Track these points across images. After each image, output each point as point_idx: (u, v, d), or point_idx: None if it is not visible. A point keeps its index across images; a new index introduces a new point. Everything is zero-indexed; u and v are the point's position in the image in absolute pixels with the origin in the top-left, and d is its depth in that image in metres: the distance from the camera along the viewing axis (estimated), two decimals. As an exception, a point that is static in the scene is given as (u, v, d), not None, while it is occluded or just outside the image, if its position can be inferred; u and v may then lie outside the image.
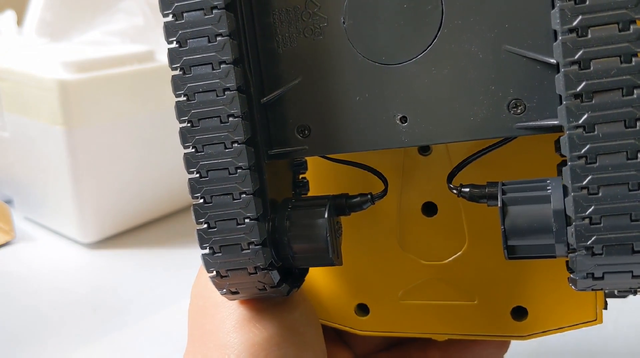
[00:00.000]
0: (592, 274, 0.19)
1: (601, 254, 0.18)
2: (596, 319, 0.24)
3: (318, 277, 0.28)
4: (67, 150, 0.52)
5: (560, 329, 0.25)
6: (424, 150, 0.25)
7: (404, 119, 0.21)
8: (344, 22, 0.21)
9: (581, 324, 0.24)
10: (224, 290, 0.22)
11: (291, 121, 0.22)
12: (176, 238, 0.57)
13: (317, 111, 0.22)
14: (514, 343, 0.29)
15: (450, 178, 0.23)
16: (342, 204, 0.23)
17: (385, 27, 0.21)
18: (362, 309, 0.27)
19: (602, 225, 0.18)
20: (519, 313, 0.25)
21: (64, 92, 0.51)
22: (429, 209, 0.26)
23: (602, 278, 0.19)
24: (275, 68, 0.22)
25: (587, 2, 0.17)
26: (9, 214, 0.58)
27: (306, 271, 0.25)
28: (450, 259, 0.26)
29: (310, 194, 0.26)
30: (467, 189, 0.22)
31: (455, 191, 0.22)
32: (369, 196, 0.23)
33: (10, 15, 0.63)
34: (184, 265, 0.49)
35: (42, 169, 0.56)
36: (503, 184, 0.20)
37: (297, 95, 0.22)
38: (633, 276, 0.18)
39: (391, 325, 0.27)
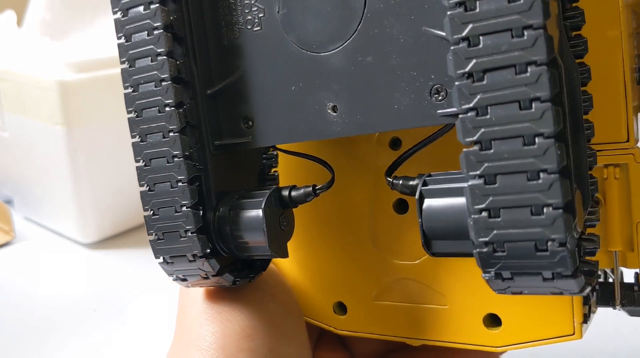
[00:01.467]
0: (500, 274, 0.17)
1: (503, 251, 0.17)
2: (574, 334, 0.22)
3: (298, 274, 0.27)
4: (67, 150, 0.52)
5: (535, 342, 0.23)
6: (395, 145, 0.25)
7: (335, 109, 0.21)
8: (278, 12, 0.21)
9: (558, 338, 0.23)
10: (174, 276, 0.23)
11: (237, 113, 0.22)
12: (176, 238, 0.57)
13: (257, 103, 0.22)
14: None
15: (390, 172, 0.22)
16: (285, 197, 0.23)
17: (314, 15, 0.21)
18: (341, 308, 0.27)
19: (501, 218, 0.17)
20: (493, 321, 0.24)
21: (64, 92, 0.51)
22: (402, 206, 0.25)
23: (511, 278, 0.17)
24: (222, 60, 0.22)
25: None
26: (9, 215, 0.58)
27: (266, 263, 0.25)
28: (422, 259, 0.25)
29: (280, 181, 0.26)
30: (399, 182, 0.21)
31: (389, 184, 0.21)
32: (311, 188, 0.22)
33: (10, 15, 0.63)
34: (184, 265, 0.49)
35: (42, 169, 0.56)
36: (429, 176, 0.20)
37: (241, 86, 0.22)
38: (544, 279, 0.17)
39: (367, 325, 0.26)
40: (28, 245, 0.57)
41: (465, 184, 0.18)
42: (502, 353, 0.25)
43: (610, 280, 0.24)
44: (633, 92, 0.22)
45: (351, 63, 0.20)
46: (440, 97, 0.19)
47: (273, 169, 0.26)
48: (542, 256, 0.16)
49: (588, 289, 0.17)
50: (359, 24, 0.20)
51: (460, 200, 0.18)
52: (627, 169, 0.22)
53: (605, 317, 0.24)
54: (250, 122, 0.22)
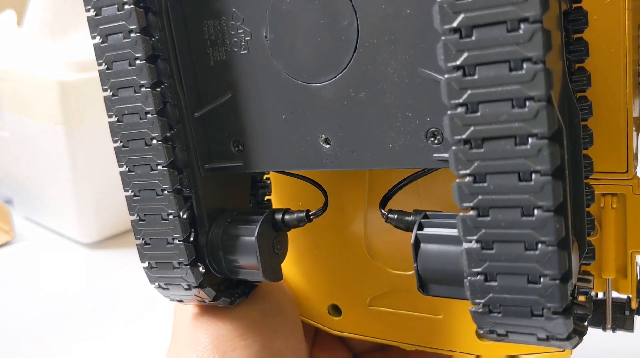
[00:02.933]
0: (495, 331, 0.17)
1: (499, 313, 0.17)
2: (564, 350, 0.23)
3: (293, 275, 0.27)
4: (67, 150, 0.52)
5: (527, 355, 0.23)
6: None
7: (327, 141, 0.20)
8: (266, 37, 0.20)
9: (550, 353, 0.23)
10: (170, 298, 0.23)
11: (227, 136, 0.22)
12: (176, 238, 0.57)
13: (247, 127, 0.21)
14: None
15: (383, 203, 0.22)
16: (278, 221, 0.22)
17: (304, 43, 0.20)
18: (335, 310, 0.27)
19: (497, 283, 0.16)
20: None
21: (64, 92, 0.51)
22: None
23: (505, 335, 0.17)
24: (209, 81, 0.21)
25: (474, 37, 0.15)
26: (8, 215, 0.58)
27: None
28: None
29: (272, 195, 0.26)
30: (395, 216, 0.20)
31: (384, 217, 0.21)
32: (305, 214, 0.22)
33: (10, 15, 0.63)
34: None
35: (42, 169, 0.56)
36: (425, 216, 0.19)
37: (230, 110, 0.21)
38: (538, 339, 0.17)
39: (362, 328, 0.27)
40: (28, 245, 0.57)
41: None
42: None
43: (601, 296, 0.24)
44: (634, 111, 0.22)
45: (344, 97, 0.19)
46: (436, 141, 0.18)
47: (265, 176, 0.26)
48: (537, 320, 0.16)
49: (577, 342, 0.17)
50: (351, 58, 0.19)
51: (457, 248, 0.18)
52: (625, 200, 0.22)
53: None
54: (241, 147, 0.22)
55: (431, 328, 0.25)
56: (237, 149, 0.22)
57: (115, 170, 0.22)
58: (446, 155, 0.18)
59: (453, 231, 0.18)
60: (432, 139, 0.18)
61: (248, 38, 0.20)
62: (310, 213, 0.22)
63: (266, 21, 0.20)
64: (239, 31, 0.21)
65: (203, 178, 0.22)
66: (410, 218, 0.20)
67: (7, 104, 0.57)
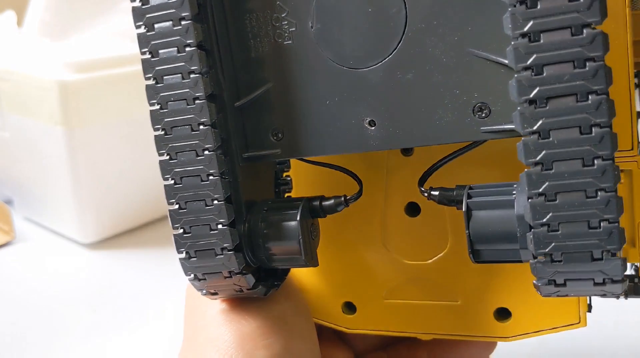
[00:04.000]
0: (554, 281, 0.18)
1: (560, 261, 0.18)
2: (579, 322, 0.24)
3: (305, 275, 0.28)
4: (67, 150, 0.52)
5: (543, 331, 0.25)
6: (407, 151, 0.25)
7: (372, 123, 0.21)
8: (311, 27, 0.21)
9: (565, 327, 0.24)
10: (204, 291, 0.23)
11: (265, 125, 0.22)
12: (176, 238, 0.57)
13: (288, 115, 0.22)
14: (503, 344, 0.29)
15: (422, 181, 0.23)
16: (316, 207, 0.23)
17: (351, 31, 0.21)
18: (349, 307, 0.27)
19: (560, 232, 0.18)
20: (503, 314, 0.25)
21: (64, 92, 0.51)
22: (413, 209, 0.26)
23: (564, 284, 0.18)
24: (249, 72, 0.22)
25: (539, 6, 0.17)
26: (9, 215, 0.58)
27: (288, 269, 0.25)
28: (433, 259, 0.26)
29: (293, 193, 0.27)
30: (437, 193, 0.22)
31: (425, 195, 0.22)
32: (343, 198, 0.23)
33: (10, 15, 0.63)
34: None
35: (42, 169, 0.56)
36: (470, 188, 0.20)
37: (270, 99, 0.22)
38: (595, 284, 0.18)
39: (377, 323, 0.27)
40: (28, 245, 0.57)
41: (513, 197, 0.19)
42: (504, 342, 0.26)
43: None
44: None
45: (390, 79, 0.20)
46: (483, 115, 0.20)
47: (285, 174, 0.26)
48: (596, 263, 0.18)
49: (626, 287, 0.19)
50: (399, 43, 0.20)
51: (509, 212, 0.19)
52: (631, 175, 0.23)
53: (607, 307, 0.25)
54: (280, 135, 0.22)
55: (449, 315, 0.26)
56: (276, 137, 0.22)
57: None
58: (495, 127, 0.19)
59: (500, 198, 0.20)
60: (480, 113, 0.20)
61: (292, 29, 0.21)
62: (347, 197, 0.23)
63: (313, 12, 0.21)
64: (283, 22, 0.21)
65: (241, 168, 0.22)
66: (454, 192, 0.21)
67: (7, 105, 0.57)
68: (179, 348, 0.25)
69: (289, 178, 0.27)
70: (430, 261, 0.26)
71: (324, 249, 0.27)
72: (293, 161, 0.26)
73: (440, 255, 0.25)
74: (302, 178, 0.27)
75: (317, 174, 0.26)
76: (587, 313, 0.24)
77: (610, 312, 0.38)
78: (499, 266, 0.25)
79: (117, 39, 0.59)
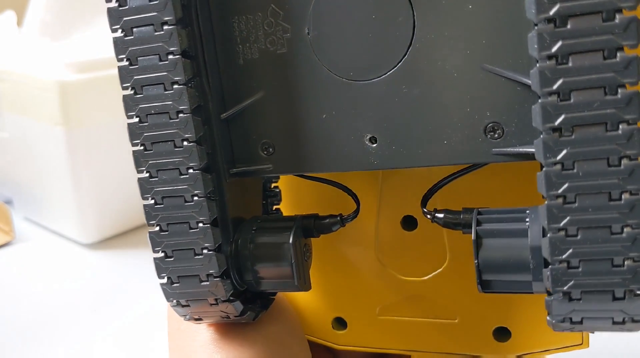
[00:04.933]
0: (570, 318, 0.17)
1: (579, 300, 0.17)
2: (582, 343, 0.23)
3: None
4: (66, 150, 0.52)
5: (544, 352, 0.23)
6: None
7: (373, 140, 0.19)
8: (308, 33, 0.19)
9: (566, 348, 0.23)
10: (187, 317, 0.21)
11: (255, 138, 0.20)
12: (176, 238, 0.56)
13: (281, 128, 0.20)
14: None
15: (425, 201, 0.21)
16: (310, 226, 0.21)
17: (352, 39, 0.19)
18: (340, 323, 0.26)
19: (580, 269, 0.16)
20: (502, 333, 0.24)
21: (63, 92, 0.51)
22: (409, 223, 0.24)
23: (580, 322, 0.17)
24: (237, 81, 0.20)
25: (569, 26, 0.15)
26: (8, 215, 0.58)
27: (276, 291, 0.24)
28: (430, 275, 0.24)
29: (282, 206, 0.25)
30: (442, 216, 0.20)
31: (429, 216, 0.20)
32: (339, 217, 0.21)
33: (10, 15, 0.63)
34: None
35: (42, 169, 0.56)
36: (479, 213, 0.19)
37: (260, 110, 0.20)
38: (614, 323, 0.17)
39: (369, 340, 0.26)
40: (28, 245, 0.57)
41: (526, 226, 0.18)
42: None
43: None
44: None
45: (394, 94, 0.19)
46: (496, 136, 0.18)
47: (273, 185, 0.25)
48: (618, 303, 0.17)
49: None
50: (405, 54, 0.18)
51: (522, 241, 0.18)
52: None
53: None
54: (271, 149, 0.20)
55: (446, 334, 0.25)
56: (266, 152, 0.20)
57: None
58: (508, 149, 0.18)
59: (512, 225, 0.18)
60: (492, 133, 0.18)
61: (287, 35, 0.19)
62: (343, 216, 0.22)
63: (309, 17, 0.19)
64: (277, 27, 0.20)
65: (228, 184, 0.20)
66: (460, 216, 0.20)
67: (7, 105, 0.57)
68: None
69: (277, 189, 0.25)
70: (427, 277, 0.24)
71: (314, 262, 0.25)
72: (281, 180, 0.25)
73: (437, 272, 0.24)
74: (292, 190, 0.25)
75: (309, 186, 0.25)
76: (591, 334, 0.23)
77: (614, 334, 0.37)
78: None
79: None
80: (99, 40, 0.58)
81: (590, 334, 0.23)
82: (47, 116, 0.52)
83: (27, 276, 0.52)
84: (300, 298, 0.27)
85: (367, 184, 0.24)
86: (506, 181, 0.22)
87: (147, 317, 0.45)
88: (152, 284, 0.49)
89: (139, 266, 0.52)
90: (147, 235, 0.20)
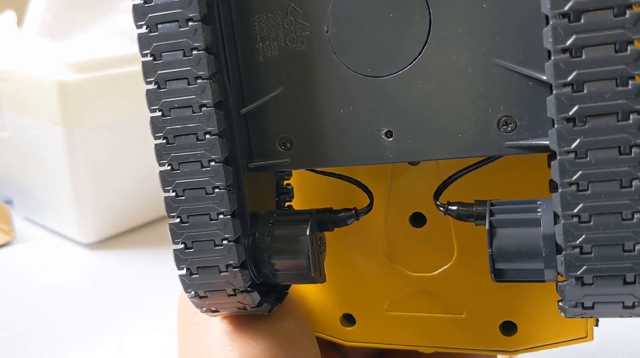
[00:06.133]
0: (582, 303, 0.18)
1: (591, 284, 0.17)
2: (587, 336, 0.23)
3: (303, 286, 0.27)
4: (66, 150, 0.52)
5: (549, 345, 0.24)
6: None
7: (389, 134, 0.20)
8: (327, 31, 0.20)
9: (571, 341, 0.24)
10: (204, 309, 0.22)
11: (273, 133, 0.21)
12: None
13: (299, 123, 0.21)
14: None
15: (437, 194, 0.22)
16: (325, 220, 0.22)
17: (370, 37, 0.19)
18: (348, 319, 0.26)
19: (592, 254, 0.17)
20: (508, 328, 0.24)
21: (63, 92, 0.51)
22: (418, 220, 0.25)
23: (592, 307, 0.18)
24: (256, 77, 0.21)
25: (582, 21, 0.16)
26: (9, 215, 0.58)
27: (289, 284, 0.24)
28: (438, 271, 0.25)
29: (294, 203, 0.26)
30: (455, 208, 0.21)
31: (442, 209, 0.21)
32: (353, 211, 0.22)
33: (10, 15, 0.63)
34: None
35: (42, 169, 0.56)
36: (492, 205, 0.20)
37: (279, 106, 0.21)
38: (624, 307, 0.18)
39: (377, 336, 0.26)
40: (28, 245, 0.57)
41: (538, 215, 0.18)
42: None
43: None
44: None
45: (411, 89, 0.19)
46: (509, 129, 0.19)
47: (285, 182, 0.25)
48: (629, 287, 0.17)
49: None
50: (421, 51, 0.19)
51: (535, 230, 0.18)
52: None
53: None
54: (289, 144, 0.21)
55: (453, 328, 0.25)
56: (284, 146, 0.21)
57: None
58: (520, 142, 0.19)
59: (525, 215, 0.19)
60: (505, 127, 0.19)
61: (306, 33, 0.20)
62: (358, 210, 0.22)
63: (329, 16, 0.20)
64: (296, 26, 0.20)
65: (246, 178, 0.21)
66: (473, 208, 0.20)
67: (7, 105, 0.57)
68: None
69: (290, 186, 0.25)
70: (435, 273, 0.25)
71: (324, 259, 0.26)
72: (295, 171, 0.25)
73: (445, 267, 0.25)
74: (303, 187, 0.26)
75: (321, 183, 0.25)
76: (595, 327, 0.23)
77: (619, 326, 0.38)
78: None
79: (117, 39, 0.59)
80: (98, 40, 0.58)
81: (595, 328, 0.23)
82: (47, 116, 0.52)
83: (27, 276, 0.52)
84: (309, 295, 0.27)
85: (377, 181, 0.24)
86: (516, 176, 0.23)
87: (147, 317, 0.45)
88: (152, 284, 0.49)
89: (139, 266, 0.52)
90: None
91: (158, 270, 0.52)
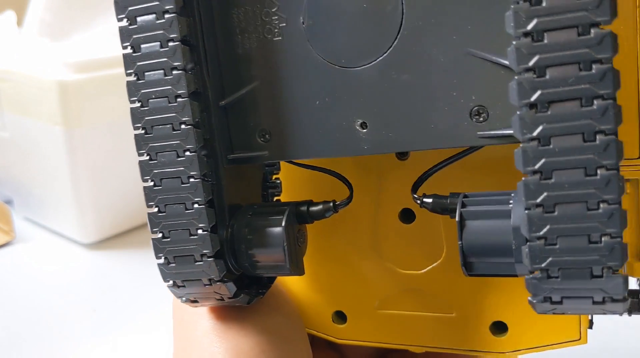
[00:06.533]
0: (550, 298, 0.17)
1: (557, 277, 0.17)
2: (580, 338, 0.23)
3: (294, 283, 0.27)
4: (66, 150, 0.52)
5: (541, 347, 0.23)
6: (402, 154, 0.24)
7: (364, 125, 0.20)
8: (303, 23, 0.20)
9: (564, 343, 0.23)
10: (184, 298, 0.22)
11: (252, 125, 0.21)
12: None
13: (276, 115, 0.21)
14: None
15: (415, 187, 0.22)
16: (303, 213, 0.22)
17: (344, 28, 0.20)
18: (340, 317, 0.26)
19: (558, 246, 0.17)
20: (499, 328, 0.24)
21: (63, 92, 0.51)
22: (407, 216, 0.24)
23: (560, 302, 0.17)
24: (235, 69, 0.21)
25: (544, 4, 0.16)
26: (9, 215, 0.58)
27: (274, 277, 0.24)
28: (427, 268, 0.24)
29: (282, 197, 0.26)
30: (430, 200, 0.21)
31: (418, 202, 0.21)
32: (332, 204, 0.22)
33: (10, 15, 0.63)
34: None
35: (42, 169, 0.56)
36: (465, 196, 0.19)
37: (257, 98, 0.21)
38: (594, 303, 0.17)
39: (368, 334, 0.26)
40: (28, 245, 0.57)
41: (509, 207, 0.18)
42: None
43: None
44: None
45: (384, 80, 0.19)
46: (481, 119, 0.19)
47: (274, 177, 0.25)
48: (596, 281, 0.17)
49: (627, 307, 0.17)
50: (394, 41, 0.19)
51: (505, 222, 0.18)
52: (637, 185, 0.22)
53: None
54: (267, 136, 0.21)
55: (443, 328, 0.25)
56: (263, 138, 0.21)
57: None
58: (492, 132, 0.18)
59: (496, 207, 0.19)
60: (477, 117, 0.19)
61: (283, 24, 0.20)
62: (336, 203, 0.22)
63: (305, 8, 0.20)
64: (273, 17, 0.20)
65: (225, 169, 0.21)
66: (447, 200, 0.20)
67: (7, 105, 0.57)
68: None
69: (278, 181, 0.25)
70: (424, 270, 0.25)
71: (313, 256, 0.26)
72: (283, 163, 0.25)
73: (434, 265, 0.24)
74: (292, 181, 0.26)
75: (309, 178, 0.25)
76: (588, 330, 0.23)
77: (613, 329, 0.37)
78: (496, 278, 0.23)
79: (117, 39, 0.59)
80: (98, 40, 0.58)
81: (589, 330, 0.23)
82: (46, 116, 0.52)
83: (27, 276, 0.52)
84: (301, 291, 0.27)
85: (366, 177, 0.24)
86: (499, 171, 0.23)
87: (146, 317, 0.45)
88: (152, 284, 0.49)
89: (139, 266, 0.52)
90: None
91: (158, 270, 0.52)
